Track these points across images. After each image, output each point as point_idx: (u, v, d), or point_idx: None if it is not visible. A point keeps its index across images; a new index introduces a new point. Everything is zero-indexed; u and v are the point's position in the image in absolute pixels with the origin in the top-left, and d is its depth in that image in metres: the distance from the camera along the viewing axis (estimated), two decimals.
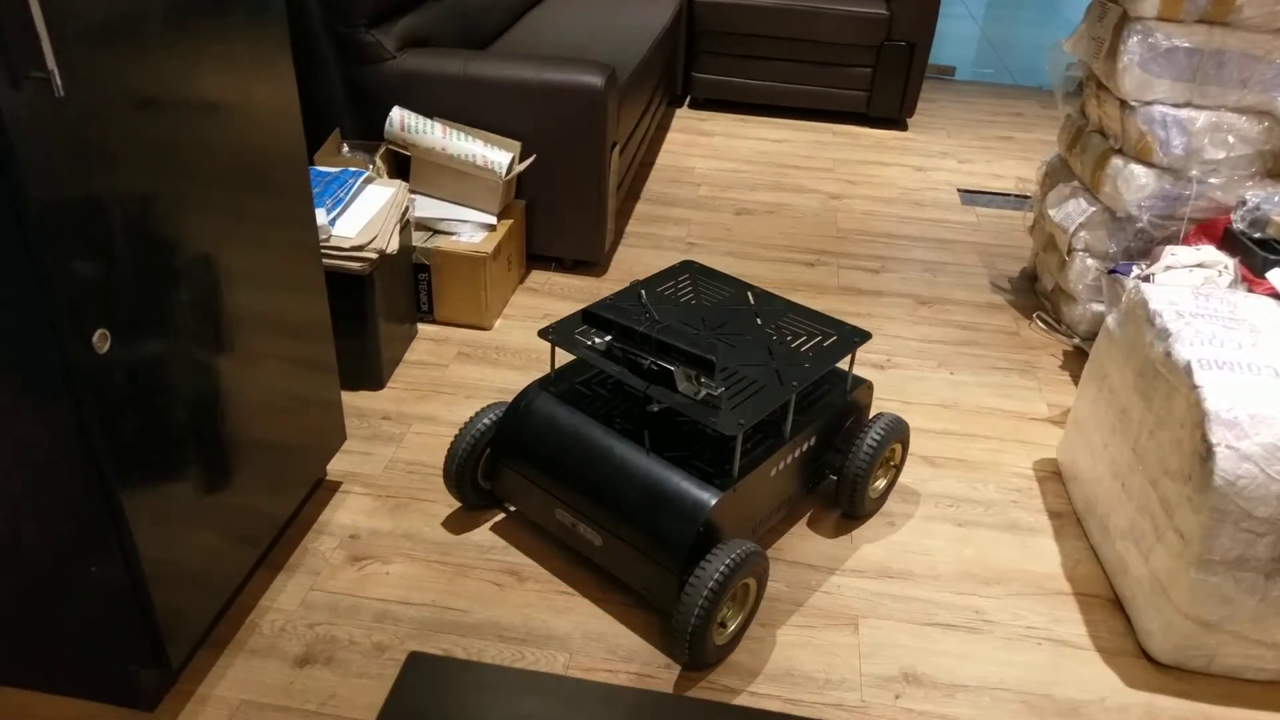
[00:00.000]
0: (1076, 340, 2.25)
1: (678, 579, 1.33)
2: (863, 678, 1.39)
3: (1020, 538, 1.67)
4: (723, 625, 1.37)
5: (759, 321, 1.61)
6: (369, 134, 2.24)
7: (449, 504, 1.66)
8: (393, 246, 1.85)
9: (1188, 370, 1.37)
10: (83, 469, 1.06)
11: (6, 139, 0.86)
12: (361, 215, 1.84)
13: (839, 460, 1.61)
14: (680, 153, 3.28)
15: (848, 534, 1.65)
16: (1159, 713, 1.36)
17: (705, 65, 3.61)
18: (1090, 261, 2.20)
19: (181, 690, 1.30)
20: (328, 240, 1.76)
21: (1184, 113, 1.99)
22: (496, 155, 2.10)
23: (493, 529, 1.62)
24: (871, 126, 3.63)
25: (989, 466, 1.84)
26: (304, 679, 1.33)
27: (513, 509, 1.64)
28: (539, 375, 1.77)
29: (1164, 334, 1.46)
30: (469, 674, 0.59)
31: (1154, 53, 1.96)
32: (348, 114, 2.24)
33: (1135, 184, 2.07)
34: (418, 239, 2.10)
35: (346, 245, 1.77)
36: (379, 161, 2.09)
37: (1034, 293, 2.51)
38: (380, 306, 1.88)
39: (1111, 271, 2.07)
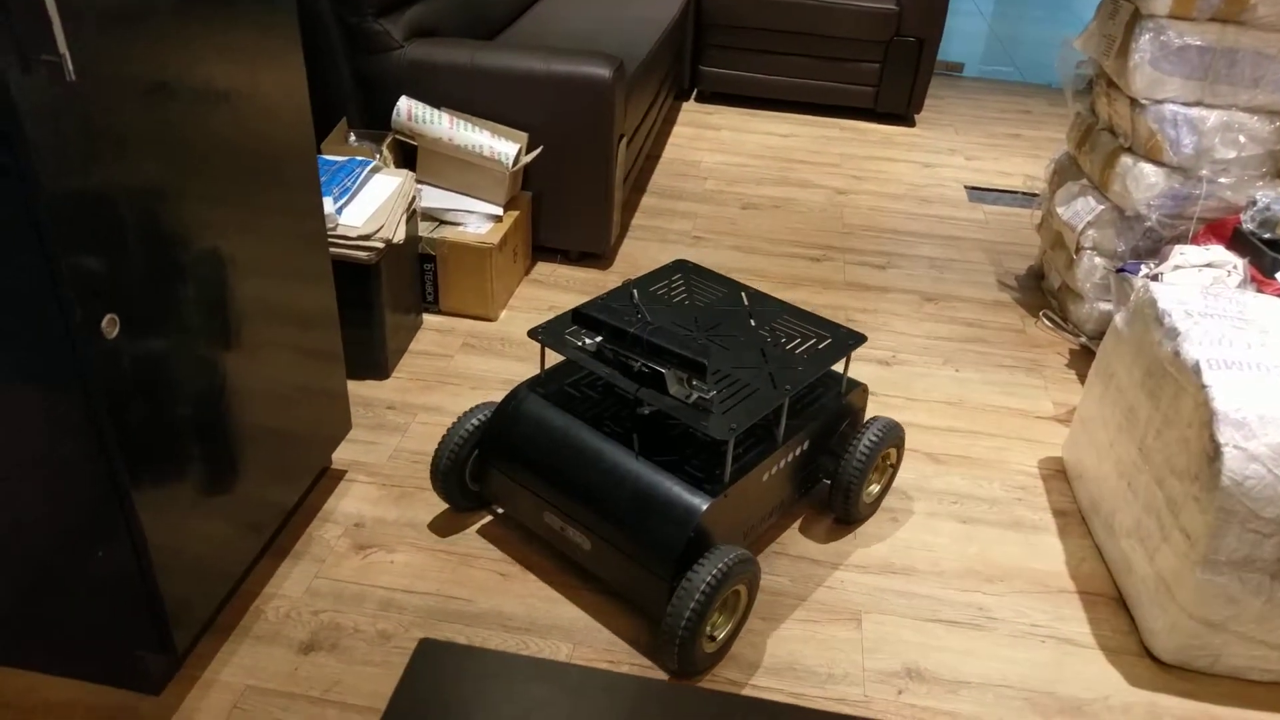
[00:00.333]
0: (1083, 339, 2.24)
1: (667, 585, 1.31)
2: (865, 673, 1.39)
3: (1024, 535, 1.67)
4: (712, 636, 1.35)
5: (753, 323, 1.59)
6: (376, 123, 2.24)
7: None
8: (399, 236, 1.85)
9: (1196, 370, 1.36)
10: (91, 454, 1.06)
11: (18, 121, 0.86)
12: (368, 205, 1.84)
13: (833, 464, 1.59)
14: (687, 146, 3.27)
15: (851, 529, 1.65)
16: (1162, 712, 1.36)
17: (713, 59, 3.60)
18: (1098, 260, 2.19)
19: (186, 675, 1.31)
20: (334, 229, 1.76)
21: (1195, 111, 1.99)
22: (503, 146, 2.10)
23: (496, 520, 1.62)
24: (879, 122, 3.62)
25: (994, 464, 1.84)
26: (308, 666, 1.33)
27: (500, 511, 1.62)
28: (556, 358, 1.76)
29: (1173, 333, 1.46)
30: (479, 660, 0.59)
31: (1165, 51, 1.95)
32: (354, 103, 2.23)
33: (1144, 183, 2.06)
34: (424, 229, 2.09)
35: (353, 234, 1.76)
36: (386, 151, 2.09)
37: (1041, 291, 2.50)
38: (386, 296, 1.88)
39: (1120, 270, 2.06)
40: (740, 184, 3.00)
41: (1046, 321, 2.35)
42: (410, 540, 1.56)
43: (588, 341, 1.48)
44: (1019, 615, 1.50)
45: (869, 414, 1.95)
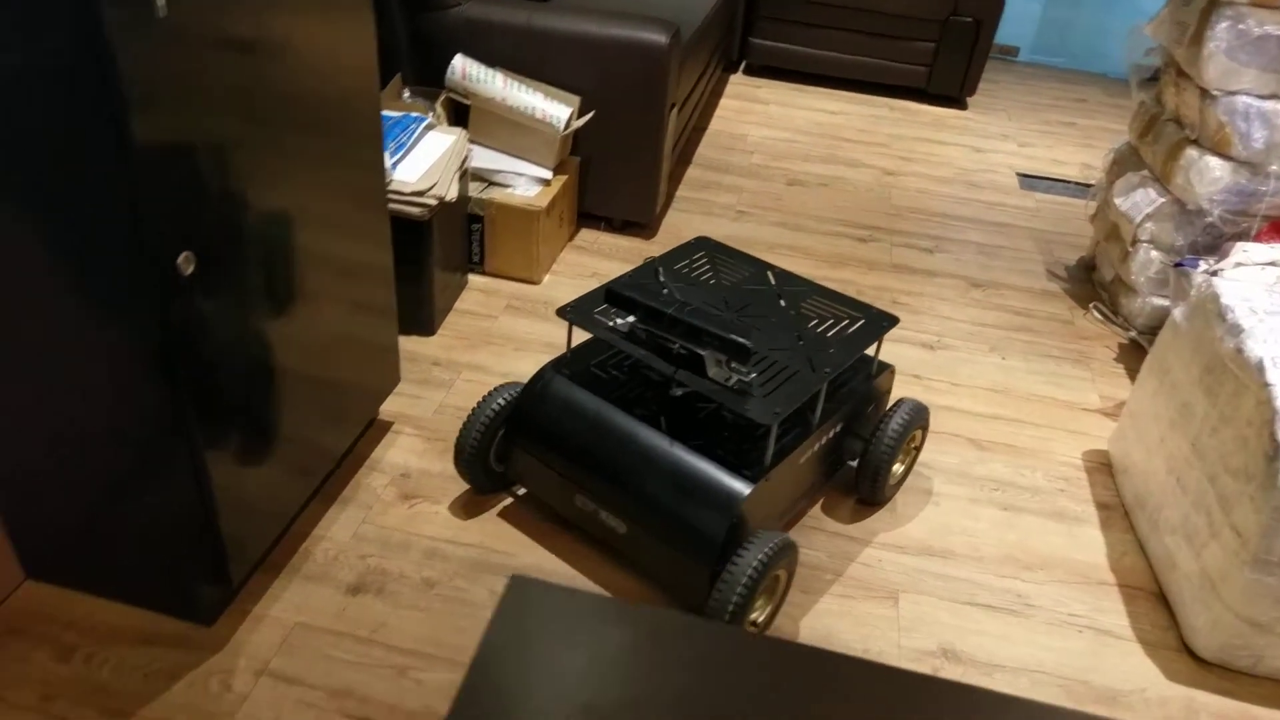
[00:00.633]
0: (1133, 333, 2.21)
1: (708, 572, 1.30)
2: (900, 650, 1.39)
3: (1066, 526, 1.66)
4: (754, 622, 1.35)
5: (782, 303, 1.56)
6: (429, 80, 2.23)
7: None
8: (452, 194, 1.85)
9: (1260, 368, 1.34)
10: (160, 390, 1.08)
11: (110, 50, 0.87)
12: (422, 161, 1.84)
13: (860, 446, 1.57)
14: (733, 119, 3.24)
15: (890, 508, 1.65)
16: (1199, 708, 1.36)
17: (763, 31, 3.54)
18: (1154, 254, 2.15)
19: (239, 609, 1.34)
20: (389, 184, 1.77)
21: (1269, 104, 1.93)
22: (556, 109, 2.09)
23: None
24: (930, 103, 3.55)
25: (1037, 453, 1.83)
26: (355, 607, 1.36)
27: (522, 492, 1.59)
28: (582, 337, 1.75)
29: (1235, 330, 1.43)
30: (567, 599, 0.60)
31: (1243, 40, 1.90)
32: (409, 60, 2.23)
33: (1209, 176, 2.01)
34: (472, 189, 2.10)
35: (407, 190, 1.77)
36: (439, 109, 2.09)
37: (1091, 282, 2.46)
38: (436, 254, 1.89)
39: (1178, 265, 2.02)
40: (787, 160, 2.96)
41: (1096, 314, 2.32)
42: (454, 493, 1.58)
43: (619, 322, 1.44)
44: (1057, 604, 1.50)
45: (914, 397, 1.94)
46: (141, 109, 0.92)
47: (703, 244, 1.72)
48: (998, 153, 3.19)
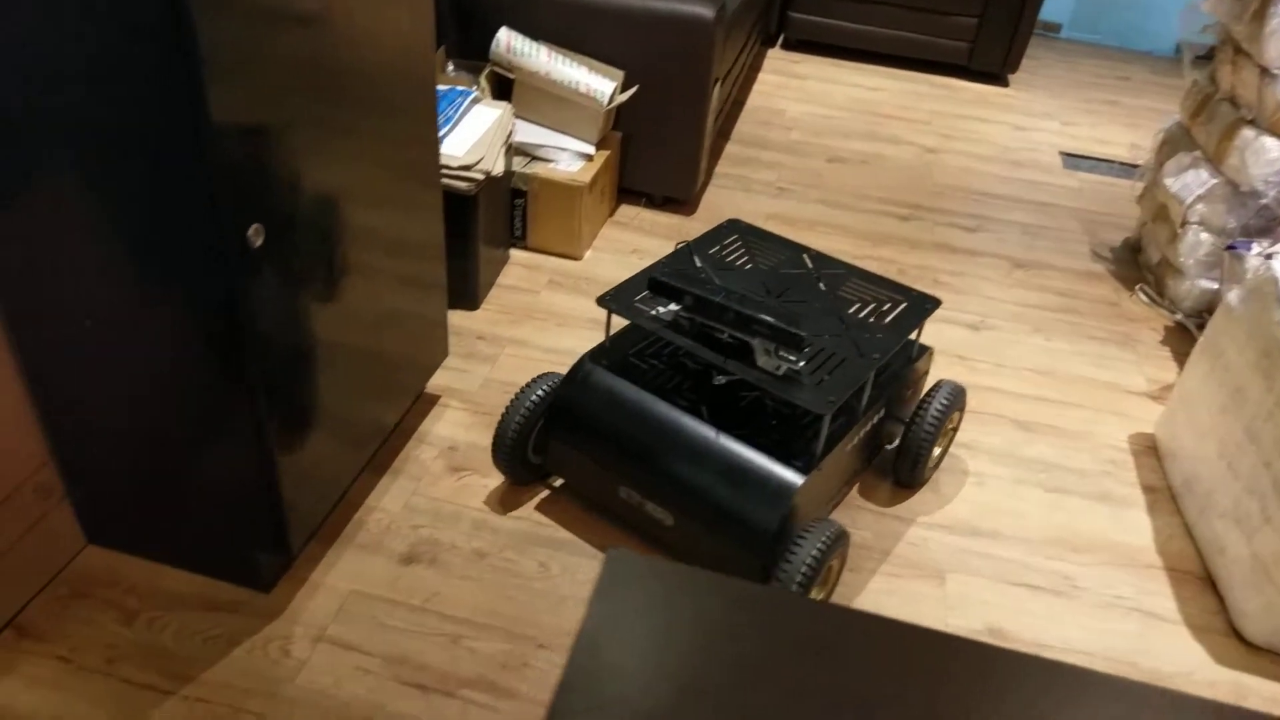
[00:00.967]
0: (1179, 316, 2.18)
1: (760, 563, 1.30)
2: (948, 629, 1.40)
3: (1112, 509, 1.65)
4: None
5: (822, 287, 1.53)
6: (472, 54, 2.22)
7: None
8: (499, 168, 1.85)
9: None
10: (228, 358, 1.10)
11: (192, 21, 0.87)
12: (469, 135, 1.84)
13: (901, 430, 1.56)
14: (772, 94, 3.20)
15: (934, 489, 1.65)
16: (1248, 692, 1.36)
17: (803, 5, 3.49)
18: (1204, 236, 2.11)
19: (295, 576, 1.37)
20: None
21: None
22: (600, 83, 2.08)
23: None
24: (971, 80, 3.49)
25: (1083, 436, 1.82)
26: (408, 576, 1.39)
27: (558, 484, 1.57)
28: (620, 325, 1.73)
29: None
30: (665, 573, 0.61)
31: None
32: (453, 32, 2.22)
33: (1265, 158, 1.97)
34: (516, 164, 2.09)
35: (454, 164, 1.77)
36: (483, 82, 2.08)
37: (1136, 264, 2.42)
38: (481, 228, 1.89)
39: (1230, 248, 1.99)
40: (827, 136, 2.93)
41: (1142, 296, 2.29)
42: None
43: (661, 310, 1.42)
44: (1104, 586, 1.50)
45: (958, 378, 1.93)
46: (219, 80, 0.92)
47: (734, 227, 1.70)
48: (1040, 131, 3.14)
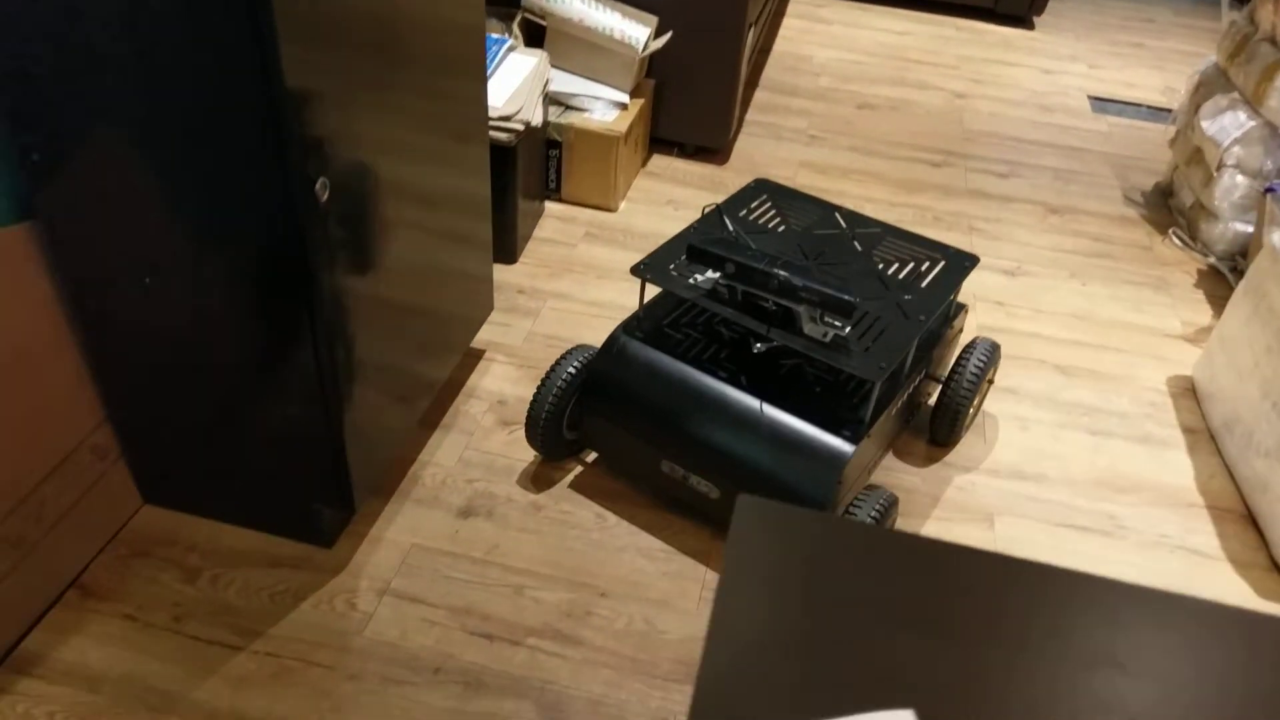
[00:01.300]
0: (1212, 259, 2.17)
1: None
2: None
3: (1153, 450, 1.67)
4: None
5: (858, 247, 1.49)
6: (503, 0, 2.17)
7: None
8: (537, 118, 1.83)
9: None
10: (295, 312, 1.10)
11: None
12: (507, 85, 1.81)
13: (938, 389, 1.55)
14: (798, 40, 3.14)
15: (979, 434, 1.67)
16: None
17: None
18: (1240, 179, 2.09)
19: (355, 531, 1.39)
20: None
21: None
22: (634, 29, 2.03)
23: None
24: (997, 23, 3.42)
25: (1122, 379, 1.83)
26: (467, 529, 1.41)
27: (592, 458, 1.55)
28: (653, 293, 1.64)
29: None
30: (797, 519, 0.63)
31: None
32: None
33: None
34: (550, 114, 2.06)
35: (494, 115, 1.75)
36: (516, 29, 2.04)
37: (1168, 208, 2.41)
38: (520, 180, 1.87)
39: (1269, 190, 1.97)
40: (855, 82, 2.88)
41: (1175, 240, 2.28)
42: None
43: (699, 278, 1.37)
44: (1149, 526, 1.53)
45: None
46: (291, 36, 0.91)
47: (763, 186, 1.65)
48: (1068, 74, 3.08)
